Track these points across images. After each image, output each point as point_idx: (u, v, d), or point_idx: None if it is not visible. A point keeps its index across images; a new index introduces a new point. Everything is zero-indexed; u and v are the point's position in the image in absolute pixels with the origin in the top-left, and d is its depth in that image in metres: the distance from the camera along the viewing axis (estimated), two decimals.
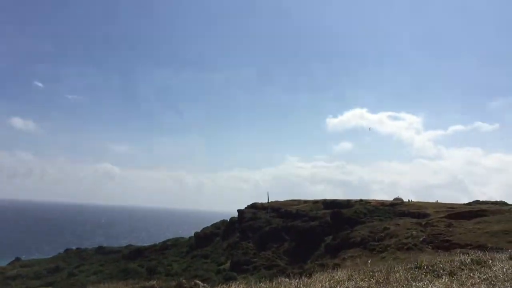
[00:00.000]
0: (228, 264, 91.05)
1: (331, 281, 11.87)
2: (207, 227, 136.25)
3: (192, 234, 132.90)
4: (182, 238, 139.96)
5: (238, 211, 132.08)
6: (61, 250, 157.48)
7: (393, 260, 44.47)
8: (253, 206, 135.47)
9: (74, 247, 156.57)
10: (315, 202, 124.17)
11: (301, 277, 12.63)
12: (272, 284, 12.38)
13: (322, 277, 12.59)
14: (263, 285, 12.63)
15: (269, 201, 63.63)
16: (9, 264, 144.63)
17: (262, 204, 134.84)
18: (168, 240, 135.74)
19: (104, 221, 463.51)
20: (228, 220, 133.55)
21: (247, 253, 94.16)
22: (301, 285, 11.72)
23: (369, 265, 14.46)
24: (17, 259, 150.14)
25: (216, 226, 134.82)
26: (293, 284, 11.92)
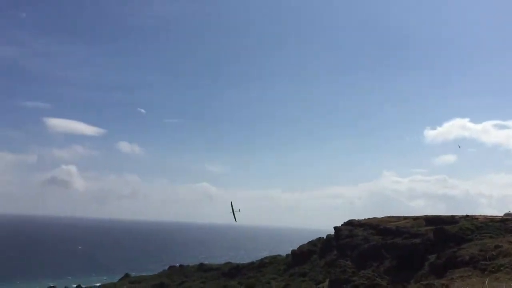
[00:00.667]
0: (326, 283, 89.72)
1: None
2: (303, 244, 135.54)
3: (289, 252, 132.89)
4: (279, 255, 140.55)
5: (335, 228, 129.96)
6: (165, 267, 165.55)
7: (508, 281, 41.09)
8: (350, 223, 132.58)
9: (177, 264, 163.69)
10: (416, 218, 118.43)
11: None
12: None
13: None
14: None
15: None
16: (119, 280, 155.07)
17: (359, 221, 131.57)
18: (265, 258, 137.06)
19: (204, 239, 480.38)
20: (325, 237, 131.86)
21: (345, 272, 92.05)
22: None
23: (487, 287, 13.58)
24: (127, 275, 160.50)
25: (312, 243, 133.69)
26: None
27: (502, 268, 53.59)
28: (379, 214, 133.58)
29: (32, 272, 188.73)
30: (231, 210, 64.98)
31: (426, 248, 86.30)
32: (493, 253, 62.71)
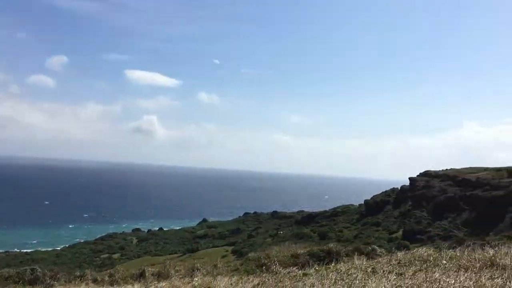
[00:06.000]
0: (400, 233, 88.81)
1: None
2: (377, 195, 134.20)
3: (362, 202, 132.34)
4: (352, 205, 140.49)
5: (410, 179, 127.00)
6: (240, 214, 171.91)
7: None
8: (426, 174, 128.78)
9: (251, 212, 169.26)
10: (498, 170, 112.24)
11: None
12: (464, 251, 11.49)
13: None
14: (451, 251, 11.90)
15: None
16: (198, 224, 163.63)
17: (436, 172, 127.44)
18: (338, 207, 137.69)
19: (277, 189, 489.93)
20: (399, 188, 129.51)
21: (420, 223, 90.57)
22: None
23: None
24: (204, 220, 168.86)
25: (386, 194, 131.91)
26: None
27: None
28: (458, 166, 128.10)
29: (117, 215, 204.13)
30: None
31: (508, 201, 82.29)
32: None
